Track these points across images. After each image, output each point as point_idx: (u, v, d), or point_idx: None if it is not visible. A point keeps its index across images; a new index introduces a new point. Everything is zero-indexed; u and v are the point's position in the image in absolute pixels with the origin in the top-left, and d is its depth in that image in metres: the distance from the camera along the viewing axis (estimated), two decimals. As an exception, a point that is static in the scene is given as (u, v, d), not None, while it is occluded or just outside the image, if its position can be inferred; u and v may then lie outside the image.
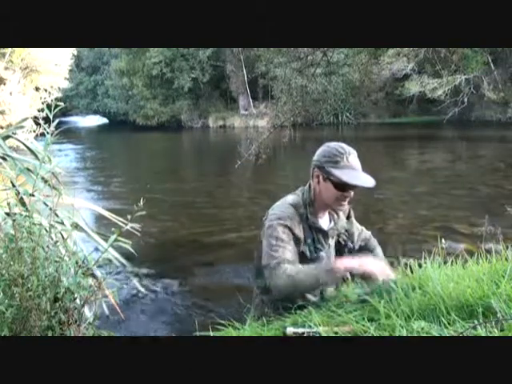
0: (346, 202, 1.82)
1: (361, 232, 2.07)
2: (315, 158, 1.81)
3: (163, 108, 30.03)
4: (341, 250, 1.97)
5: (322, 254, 1.85)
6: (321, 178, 1.78)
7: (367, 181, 1.71)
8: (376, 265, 1.61)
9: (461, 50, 19.35)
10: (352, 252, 1.99)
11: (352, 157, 1.73)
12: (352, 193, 1.79)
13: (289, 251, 1.72)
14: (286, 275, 1.62)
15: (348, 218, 2.02)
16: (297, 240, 1.78)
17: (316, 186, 1.81)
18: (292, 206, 1.82)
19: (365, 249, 2.03)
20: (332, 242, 1.93)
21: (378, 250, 2.07)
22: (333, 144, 1.78)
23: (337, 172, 1.71)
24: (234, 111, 29.45)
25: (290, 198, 1.87)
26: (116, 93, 32.59)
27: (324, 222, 1.90)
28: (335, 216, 1.96)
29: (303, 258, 1.78)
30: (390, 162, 12.04)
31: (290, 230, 1.76)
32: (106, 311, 1.74)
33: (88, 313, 1.41)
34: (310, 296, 1.69)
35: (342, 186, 1.72)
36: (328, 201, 1.80)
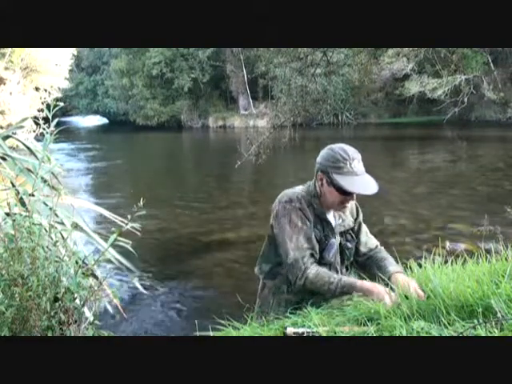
0: (348, 204, 1.85)
1: (368, 239, 2.00)
2: (319, 160, 1.81)
3: (163, 108, 30.01)
4: (343, 250, 1.93)
5: (333, 240, 1.86)
6: (324, 181, 1.79)
7: (369, 187, 1.72)
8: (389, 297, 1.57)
9: (461, 49, 19.34)
10: (353, 255, 1.96)
11: (355, 162, 1.73)
12: (355, 196, 1.81)
13: (304, 237, 1.77)
14: (306, 279, 1.72)
15: (356, 218, 1.99)
16: (308, 221, 1.82)
17: (320, 188, 1.83)
18: (301, 193, 1.86)
19: (370, 260, 1.94)
20: (338, 238, 1.91)
21: (387, 262, 1.87)
22: (337, 147, 1.78)
23: (340, 179, 1.72)
24: (234, 111, 29.44)
25: (299, 188, 1.90)
26: (116, 93, 32.56)
27: (330, 217, 1.91)
28: (342, 214, 1.95)
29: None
30: (390, 162, 12.04)
31: (302, 211, 1.80)
32: (109, 310, 1.74)
33: (88, 313, 1.40)
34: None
35: (345, 192, 1.74)
36: (331, 203, 1.83)
